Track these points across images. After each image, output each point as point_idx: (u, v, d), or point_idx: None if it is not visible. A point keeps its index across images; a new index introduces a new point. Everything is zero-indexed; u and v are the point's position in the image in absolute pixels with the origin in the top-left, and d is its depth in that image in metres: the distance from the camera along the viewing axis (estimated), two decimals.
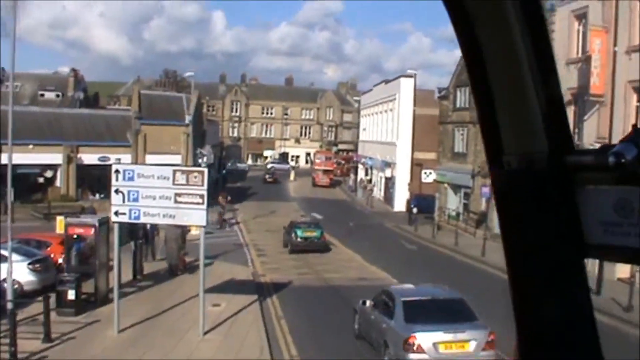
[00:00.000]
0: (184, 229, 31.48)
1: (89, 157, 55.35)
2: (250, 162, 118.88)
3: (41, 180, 56.31)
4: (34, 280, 25.45)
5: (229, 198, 60.23)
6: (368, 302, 20.08)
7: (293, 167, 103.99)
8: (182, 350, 19.51)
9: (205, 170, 20.90)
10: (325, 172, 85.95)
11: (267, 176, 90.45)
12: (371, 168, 77.11)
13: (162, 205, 20.15)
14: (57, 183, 56.57)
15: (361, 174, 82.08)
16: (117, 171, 20.47)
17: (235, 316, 23.21)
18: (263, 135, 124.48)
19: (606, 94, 32.80)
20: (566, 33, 36.39)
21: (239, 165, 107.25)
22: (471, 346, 16.89)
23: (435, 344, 16.57)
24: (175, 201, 20.04)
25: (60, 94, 74.64)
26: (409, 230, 50.16)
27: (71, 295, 22.59)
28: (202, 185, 20.00)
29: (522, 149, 1.81)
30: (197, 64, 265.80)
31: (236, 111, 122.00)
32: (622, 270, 31.27)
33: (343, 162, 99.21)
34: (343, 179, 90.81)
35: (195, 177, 20.03)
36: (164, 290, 27.43)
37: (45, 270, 26.03)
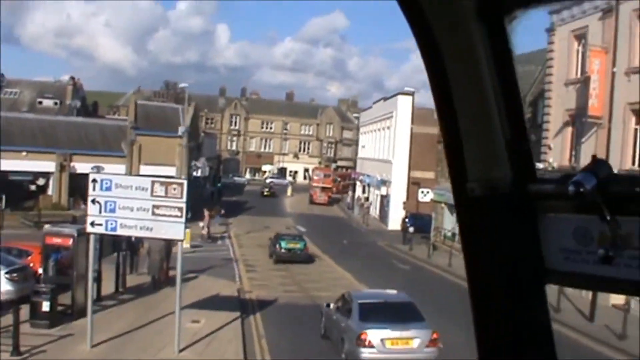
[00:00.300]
0: (169, 241, 30.87)
1: (83, 166, 54.42)
2: (248, 176, 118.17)
3: (33, 188, 55.82)
4: (11, 290, 24.64)
5: (222, 212, 59.67)
6: (332, 305, 22.62)
7: (291, 183, 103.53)
8: None
9: (185, 182, 20.16)
10: (324, 189, 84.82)
11: (265, 190, 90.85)
12: (368, 185, 76.41)
13: (140, 217, 19.47)
14: (49, 191, 56.06)
15: (359, 191, 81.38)
16: (94, 180, 19.84)
17: (215, 334, 22.44)
18: (262, 149, 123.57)
19: (605, 116, 32.18)
20: (565, 53, 35.86)
21: (236, 179, 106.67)
22: (415, 343, 19.23)
23: (383, 340, 18.91)
24: (153, 213, 19.36)
25: (58, 101, 74.50)
26: (403, 249, 49.39)
27: (45, 306, 21.83)
28: (181, 197, 19.31)
29: (485, 176, 1.83)
30: (201, 77, 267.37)
31: (235, 125, 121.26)
32: (617, 296, 30.60)
33: (339, 179, 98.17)
34: (341, 196, 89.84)
35: (175, 189, 19.34)
36: (145, 304, 26.69)
37: (23, 280, 25.27)
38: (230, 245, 48.03)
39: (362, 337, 18.89)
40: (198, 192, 67.39)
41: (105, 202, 19.60)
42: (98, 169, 47.48)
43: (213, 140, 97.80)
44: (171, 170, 54.86)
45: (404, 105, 64.31)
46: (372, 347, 18.82)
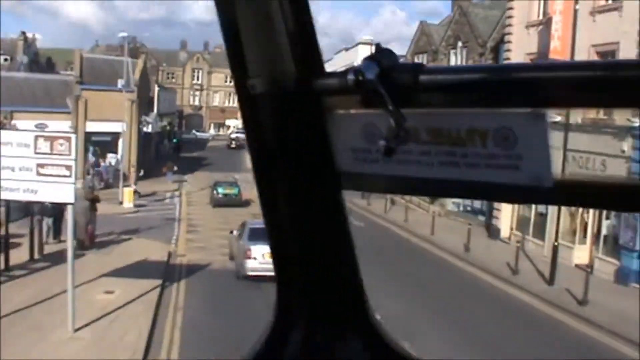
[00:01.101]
0: (93, 200, 28.58)
1: (25, 124, 51.17)
2: (213, 131, 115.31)
3: None
4: None
5: (175, 168, 57.25)
6: (235, 232, 27.59)
7: None
8: (41, 351, 16.27)
9: (73, 136, 17.38)
10: None
11: (232, 143, 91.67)
12: None
13: (23, 179, 16.80)
14: None
15: None
16: None
17: (125, 307, 19.94)
18: (226, 104, 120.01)
19: (567, 59, 29.76)
20: None
21: (198, 134, 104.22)
22: None
23: (263, 254, 22.20)
24: (38, 173, 16.68)
25: (8, 57, 71.90)
26: (361, 204, 46.93)
27: None
28: (70, 154, 16.61)
29: (268, 72, 1.66)
30: (169, 33, 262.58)
31: (198, 79, 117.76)
32: (580, 255, 28.64)
33: None
34: None
35: (61, 144, 16.60)
36: (60, 272, 23.69)
37: None
38: (178, 203, 45.51)
39: (248, 252, 23.97)
40: (151, 148, 64.74)
41: None
42: (42, 127, 44.86)
43: (172, 95, 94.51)
44: (119, 126, 52.26)
45: (364, 54, 61.46)
46: (255, 259, 23.40)
